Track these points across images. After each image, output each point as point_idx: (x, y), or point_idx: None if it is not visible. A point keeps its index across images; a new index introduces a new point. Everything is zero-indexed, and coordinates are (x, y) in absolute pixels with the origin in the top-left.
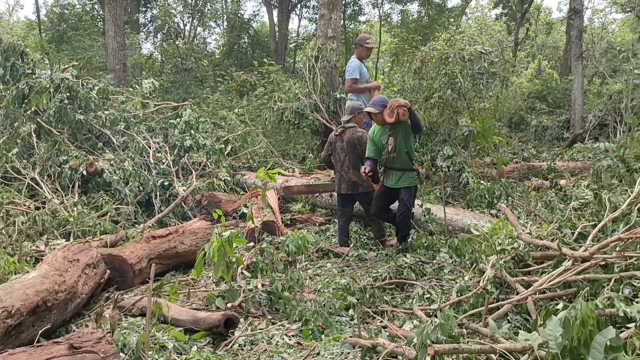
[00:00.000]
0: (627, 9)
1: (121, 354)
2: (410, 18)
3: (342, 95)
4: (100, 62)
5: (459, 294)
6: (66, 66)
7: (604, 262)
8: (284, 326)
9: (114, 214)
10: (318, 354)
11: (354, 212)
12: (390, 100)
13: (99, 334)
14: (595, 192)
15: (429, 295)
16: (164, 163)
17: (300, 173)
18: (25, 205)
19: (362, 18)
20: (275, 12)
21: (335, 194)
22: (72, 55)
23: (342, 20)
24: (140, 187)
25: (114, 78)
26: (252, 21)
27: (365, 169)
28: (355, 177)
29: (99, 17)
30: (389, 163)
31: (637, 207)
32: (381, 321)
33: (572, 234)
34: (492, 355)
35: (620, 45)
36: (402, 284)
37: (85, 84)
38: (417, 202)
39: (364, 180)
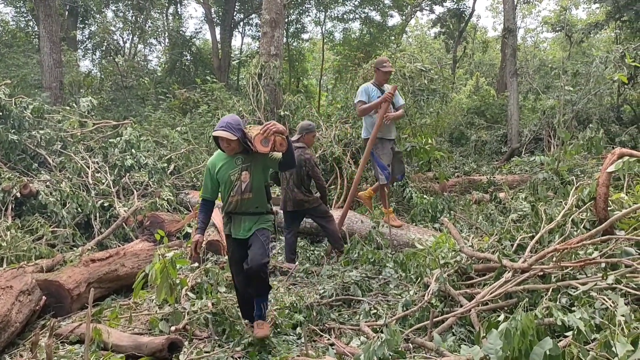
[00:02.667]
0: (557, 29)
1: None
2: (352, 36)
3: (285, 112)
4: (35, 79)
5: (405, 309)
6: None
7: (542, 273)
8: (230, 348)
9: (51, 237)
10: None
11: (300, 228)
12: (261, 125)
13: None
14: (532, 204)
15: (375, 311)
16: (103, 183)
17: None
18: None
19: (305, 36)
20: (217, 30)
21: (281, 211)
22: (5, 73)
23: (285, 38)
24: (79, 209)
25: (50, 96)
26: (195, 38)
27: (196, 243)
28: (301, 195)
29: (33, 34)
30: (241, 207)
31: (571, 218)
32: (328, 339)
33: (512, 245)
34: None
35: (551, 63)
36: (349, 300)
37: (18, 102)
38: (362, 218)
39: (308, 198)
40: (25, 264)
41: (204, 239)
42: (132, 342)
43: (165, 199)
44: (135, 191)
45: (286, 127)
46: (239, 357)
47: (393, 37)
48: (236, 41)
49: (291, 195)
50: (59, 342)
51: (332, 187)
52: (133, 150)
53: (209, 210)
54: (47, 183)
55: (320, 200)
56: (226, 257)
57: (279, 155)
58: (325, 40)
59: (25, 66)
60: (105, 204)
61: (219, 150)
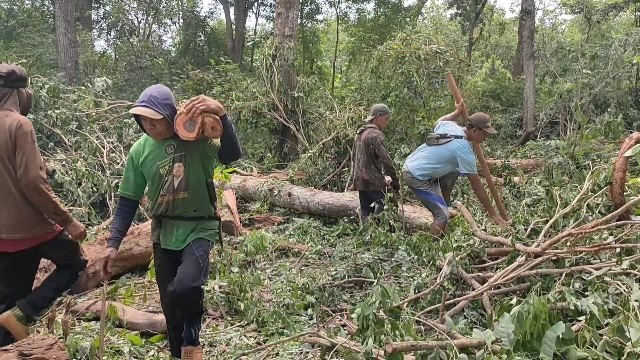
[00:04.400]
0: (576, 10)
1: (74, 359)
2: (367, 17)
3: (299, 94)
4: (50, 59)
5: (417, 291)
6: (14, 64)
7: (555, 257)
8: (243, 327)
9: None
10: (277, 354)
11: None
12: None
13: (51, 340)
14: (547, 188)
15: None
16: (118, 163)
17: (258, 172)
18: None
19: (319, 17)
20: (232, 10)
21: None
22: (21, 53)
23: (299, 19)
24: (94, 188)
25: (65, 76)
26: (209, 19)
27: (106, 260)
28: (367, 176)
29: (49, 14)
30: (174, 209)
31: (586, 203)
32: (340, 320)
33: (525, 230)
34: (449, 352)
35: (569, 46)
36: (360, 282)
37: (34, 82)
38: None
39: (373, 180)
40: None
41: (117, 254)
42: (147, 319)
43: None
44: None
45: (299, 109)
46: (252, 336)
47: (408, 19)
48: (250, 22)
49: (359, 175)
50: (75, 318)
51: (345, 169)
52: None
53: (128, 213)
54: (63, 162)
55: (384, 185)
56: (239, 237)
57: (218, 141)
58: (339, 22)
59: (41, 46)
60: None
61: (145, 134)
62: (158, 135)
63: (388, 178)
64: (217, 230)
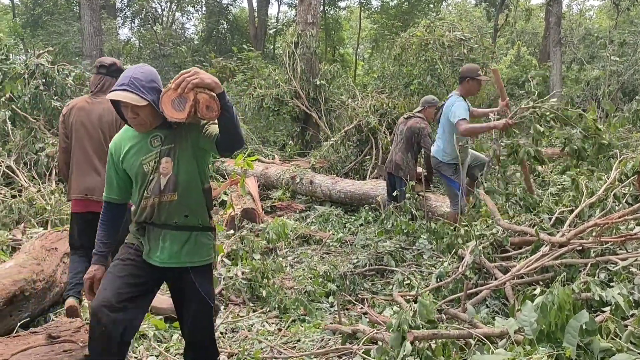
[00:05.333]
0: None
1: None
2: (390, 4)
3: (321, 82)
4: (76, 47)
5: (438, 280)
6: (41, 51)
7: (580, 247)
8: (265, 313)
9: None
10: (299, 340)
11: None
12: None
13: (78, 323)
14: (572, 178)
15: (408, 282)
16: None
17: (280, 160)
18: (1, 193)
19: (342, 4)
20: None
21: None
22: (47, 41)
23: (321, 6)
24: None
25: (90, 64)
26: (231, 6)
27: (91, 280)
28: (401, 161)
29: (74, 2)
30: (160, 215)
31: (612, 192)
32: (361, 308)
33: (550, 219)
34: (471, 340)
35: (597, 32)
36: (382, 271)
37: (61, 70)
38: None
39: (405, 166)
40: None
41: (103, 272)
42: (171, 305)
43: None
44: None
45: (321, 97)
46: (273, 323)
47: (432, 5)
48: (272, 9)
49: (394, 157)
50: None
51: (367, 157)
52: None
53: (114, 221)
54: None
55: (413, 176)
56: (262, 224)
57: (215, 128)
58: (362, 8)
59: (66, 34)
60: None
61: (126, 125)
62: (142, 125)
63: (420, 170)
64: (213, 245)
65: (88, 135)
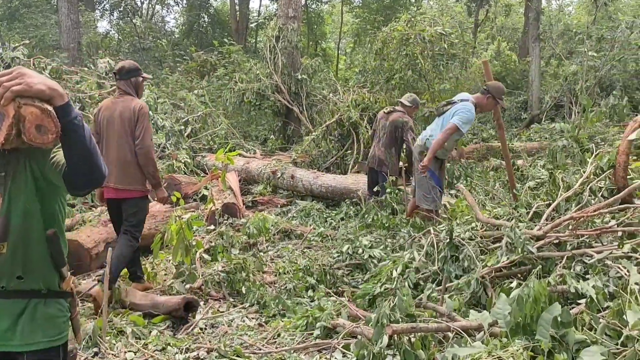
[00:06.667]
0: None
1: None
2: None
3: (303, 76)
4: (53, 40)
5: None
6: (17, 45)
7: (557, 240)
8: (245, 308)
9: (70, 197)
10: (279, 335)
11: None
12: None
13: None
14: (550, 172)
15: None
16: None
17: (261, 154)
18: None
19: None
20: None
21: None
22: (24, 33)
23: (303, 0)
24: None
25: (68, 57)
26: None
27: None
28: (383, 156)
29: None
30: None
31: (589, 186)
32: (341, 302)
33: (528, 213)
34: (449, 333)
35: (576, 28)
36: (362, 265)
37: (37, 63)
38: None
39: (387, 161)
40: None
41: None
42: (150, 301)
43: (182, 161)
44: None
45: (303, 91)
46: (253, 318)
47: (414, 0)
48: (254, 3)
49: (376, 152)
50: (78, 299)
51: (349, 152)
52: (150, 112)
53: None
54: None
55: (395, 171)
56: (242, 219)
57: (61, 154)
58: (344, 3)
59: (44, 27)
60: None
61: None
62: None
63: (401, 164)
64: (65, 318)
65: (112, 129)
